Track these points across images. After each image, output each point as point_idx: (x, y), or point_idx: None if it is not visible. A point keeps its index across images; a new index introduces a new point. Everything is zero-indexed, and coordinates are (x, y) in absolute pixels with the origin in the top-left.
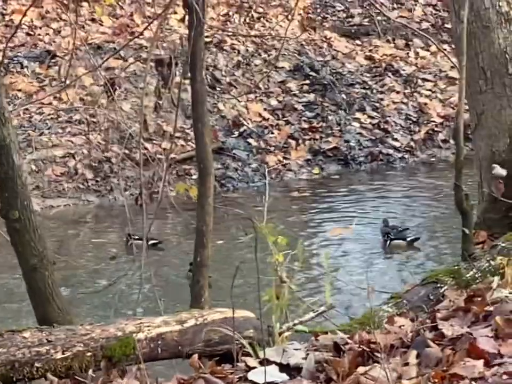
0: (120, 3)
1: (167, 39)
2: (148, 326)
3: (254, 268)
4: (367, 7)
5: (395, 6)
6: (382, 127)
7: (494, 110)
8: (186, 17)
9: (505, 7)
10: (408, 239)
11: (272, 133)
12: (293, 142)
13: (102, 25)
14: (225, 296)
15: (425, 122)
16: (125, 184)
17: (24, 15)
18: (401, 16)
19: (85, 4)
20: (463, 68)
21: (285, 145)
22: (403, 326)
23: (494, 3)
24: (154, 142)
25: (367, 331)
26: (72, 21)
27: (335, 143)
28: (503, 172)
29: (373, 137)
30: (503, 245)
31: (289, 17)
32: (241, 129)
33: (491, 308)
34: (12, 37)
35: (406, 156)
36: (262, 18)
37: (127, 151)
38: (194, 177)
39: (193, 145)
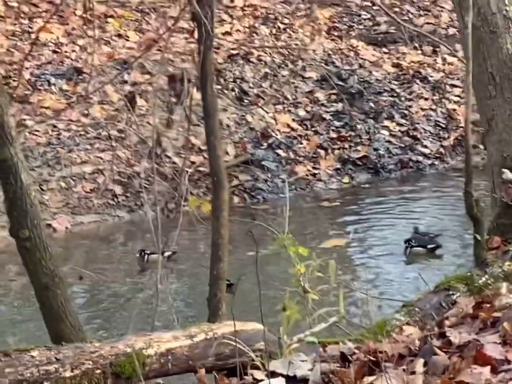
0: (146, 18)
1: (178, 54)
2: (157, 342)
3: (279, 279)
4: (393, 15)
5: (421, 12)
6: (411, 134)
7: (504, 115)
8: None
9: None
10: (429, 246)
11: (301, 143)
12: (322, 152)
13: (128, 40)
14: (248, 307)
15: (454, 128)
16: (154, 199)
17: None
18: (428, 23)
19: (110, 19)
20: (469, 73)
21: (314, 155)
22: (411, 334)
23: (501, 8)
24: (181, 155)
25: (374, 340)
26: (96, 36)
27: (364, 151)
28: None
29: (402, 145)
30: None
31: (315, 27)
32: (270, 141)
33: (499, 314)
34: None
35: (436, 163)
36: (288, 29)
37: (156, 166)
38: None
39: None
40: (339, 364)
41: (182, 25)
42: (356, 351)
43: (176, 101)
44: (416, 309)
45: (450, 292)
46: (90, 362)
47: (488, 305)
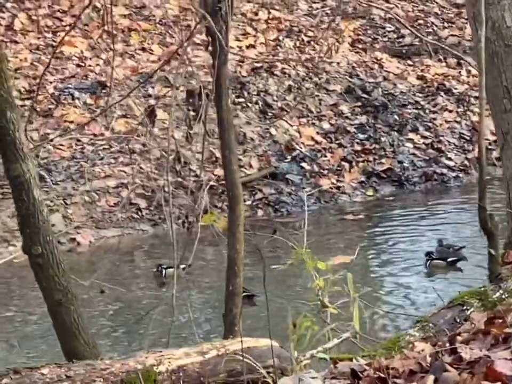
0: (169, 31)
1: (199, 68)
2: (169, 358)
3: (300, 292)
4: (418, 27)
5: (446, 25)
6: (435, 146)
7: None
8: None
9: None
10: (449, 259)
11: (325, 156)
12: (346, 165)
13: (152, 53)
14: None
15: None
16: (178, 212)
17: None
18: (453, 35)
19: (134, 33)
20: (483, 87)
21: (338, 168)
22: (423, 350)
23: None
24: (207, 169)
25: (386, 357)
26: (120, 50)
27: (389, 164)
28: None
29: (427, 157)
30: None
31: (339, 39)
32: (294, 154)
33: (511, 330)
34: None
35: (461, 175)
36: (312, 42)
37: (179, 179)
38: (247, 203)
39: (246, 171)
40: (349, 381)
41: (204, 38)
42: (367, 367)
43: (195, 116)
44: (430, 325)
45: (465, 307)
46: (101, 380)
47: (500, 321)
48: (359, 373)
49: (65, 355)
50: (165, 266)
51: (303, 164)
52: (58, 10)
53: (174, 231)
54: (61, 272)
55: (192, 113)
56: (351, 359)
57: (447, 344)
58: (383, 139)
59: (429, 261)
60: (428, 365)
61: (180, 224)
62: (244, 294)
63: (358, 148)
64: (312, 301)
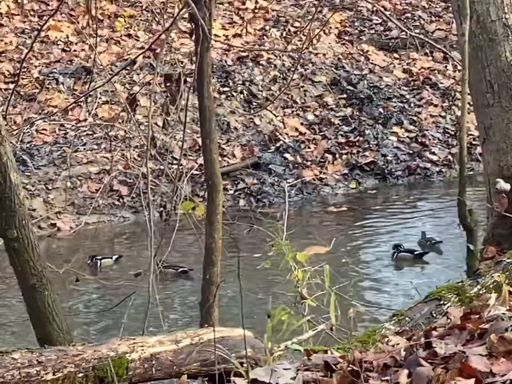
0: (156, 18)
1: (175, 55)
2: (142, 346)
3: (279, 284)
4: (405, 20)
5: (433, 18)
6: (419, 140)
7: (502, 124)
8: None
9: (511, 19)
10: (416, 253)
11: (309, 148)
12: (330, 157)
13: (138, 40)
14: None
15: None
16: (160, 200)
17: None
18: (439, 29)
19: (120, 19)
20: (465, 81)
21: (322, 160)
22: (397, 344)
23: (501, 15)
24: (190, 157)
25: (359, 350)
26: (105, 36)
27: (372, 157)
28: (507, 187)
29: (411, 151)
30: (508, 260)
31: (326, 31)
32: (278, 144)
33: (487, 326)
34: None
35: (444, 170)
36: (298, 32)
37: (161, 167)
38: (229, 192)
39: (229, 161)
40: (323, 373)
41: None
42: (340, 360)
43: (172, 102)
44: (407, 318)
45: (441, 302)
46: (73, 366)
47: (477, 317)
48: (333, 366)
49: (39, 340)
50: (99, 257)
51: (287, 155)
52: None
53: (152, 218)
54: (36, 256)
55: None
56: (325, 351)
57: (422, 339)
58: (367, 132)
59: (396, 254)
60: (402, 359)
61: (161, 212)
62: (178, 269)
63: (342, 140)
64: (290, 293)
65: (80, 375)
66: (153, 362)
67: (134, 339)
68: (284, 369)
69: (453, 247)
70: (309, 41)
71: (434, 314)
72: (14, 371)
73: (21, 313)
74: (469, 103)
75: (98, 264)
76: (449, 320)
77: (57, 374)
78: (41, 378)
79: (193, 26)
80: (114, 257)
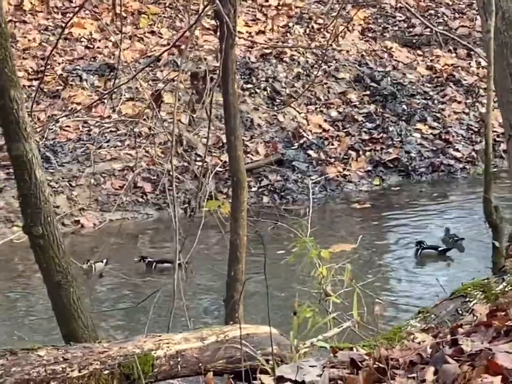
0: (179, 15)
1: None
2: (167, 343)
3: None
4: (428, 17)
5: (456, 15)
6: (443, 137)
7: None
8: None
9: None
10: (440, 249)
11: (332, 144)
12: (353, 153)
13: (161, 37)
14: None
15: None
16: (184, 197)
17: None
18: (463, 26)
19: (144, 16)
20: (490, 78)
21: (345, 157)
22: (423, 341)
23: None
24: (213, 154)
25: (385, 347)
26: (129, 33)
27: (396, 154)
28: None
29: (434, 148)
30: None
31: (350, 28)
32: (301, 141)
33: None
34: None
35: (468, 167)
36: (322, 29)
37: (186, 164)
38: (253, 189)
39: (252, 158)
40: (349, 370)
41: (214, 23)
42: (366, 357)
43: (198, 99)
44: (432, 316)
45: (467, 299)
46: (98, 363)
47: (503, 314)
48: (359, 363)
49: (64, 337)
50: (93, 262)
51: (310, 152)
52: None
53: (177, 215)
54: (61, 253)
55: (196, 96)
56: (351, 349)
57: (448, 336)
58: (390, 128)
59: (420, 251)
60: (429, 356)
61: (186, 208)
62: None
63: (366, 136)
64: (315, 289)
65: (106, 372)
66: (179, 359)
67: (159, 336)
68: (310, 366)
69: (478, 244)
70: (334, 38)
71: (460, 312)
72: (40, 368)
73: (46, 310)
74: (493, 100)
75: (93, 267)
76: (475, 317)
77: (83, 371)
78: (67, 375)
79: (218, 23)
80: (104, 261)
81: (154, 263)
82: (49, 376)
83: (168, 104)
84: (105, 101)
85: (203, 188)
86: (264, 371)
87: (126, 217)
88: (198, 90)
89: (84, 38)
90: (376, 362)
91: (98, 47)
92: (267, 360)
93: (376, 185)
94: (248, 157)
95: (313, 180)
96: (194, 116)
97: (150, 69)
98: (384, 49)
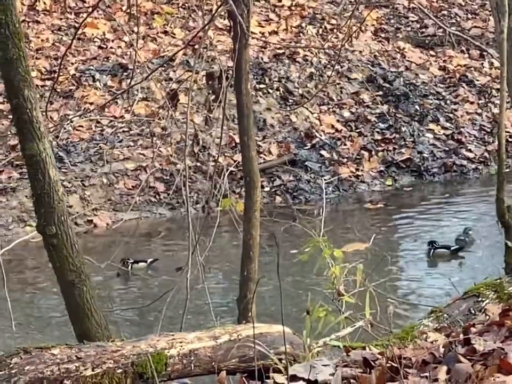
0: (192, 15)
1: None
2: (181, 342)
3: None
4: (441, 18)
5: (469, 16)
6: (455, 138)
7: None
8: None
9: None
10: (452, 248)
11: (345, 145)
12: (366, 154)
13: (174, 37)
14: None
15: None
16: (196, 197)
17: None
18: (476, 27)
19: (160, 15)
20: (504, 79)
21: (358, 157)
22: (436, 340)
23: None
24: (226, 154)
25: (398, 346)
26: (142, 33)
27: (408, 154)
28: None
29: (447, 148)
30: None
31: (362, 28)
32: (314, 141)
33: None
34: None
35: (480, 167)
36: (334, 30)
37: (198, 164)
38: (265, 189)
39: (265, 158)
40: (362, 370)
41: (227, 23)
42: (379, 356)
43: (214, 99)
44: (445, 315)
45: (480, 299)
46: (112, 362)
47: None
48: (372, 362)
49: (77, 336)
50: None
51: (323, 152)
52: None
53: (191, 215)
54: (75, 253)
55: (212, 96)
56: (364, 348)
57: (461, 335)
58: (403, 129)
59: (432, 250)
60: (441, 355)
61: (198, 208)
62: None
63: (378, 137)
64: (328, 289)
65: (119, 371)
66: (192, 358)
67: (172, 335)
68: (323, 365)
69: (491, 244)
70: (348, 38)
71: (473, 311)
72: (53, 366)
73: (60, 309)
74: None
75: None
76: (487, 317)
77: (96, 370)
78: (81, 374)
79: (231, 23)
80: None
81: (130, 264)
82: (63, 375)
83: (181, 104)
84: (119, 101)
85: (218, 187)
86: (277, 370)
87: (139, 217)
88: (214, 90)
89: (97, 38)
90: (389, 362)
91: (111, 47)
92: (280, 359)
93: (389, 185)
94: (261, 157)
95: (326, 180)
96: (210, 115)
97: (163, 69)
98: (397, 50)
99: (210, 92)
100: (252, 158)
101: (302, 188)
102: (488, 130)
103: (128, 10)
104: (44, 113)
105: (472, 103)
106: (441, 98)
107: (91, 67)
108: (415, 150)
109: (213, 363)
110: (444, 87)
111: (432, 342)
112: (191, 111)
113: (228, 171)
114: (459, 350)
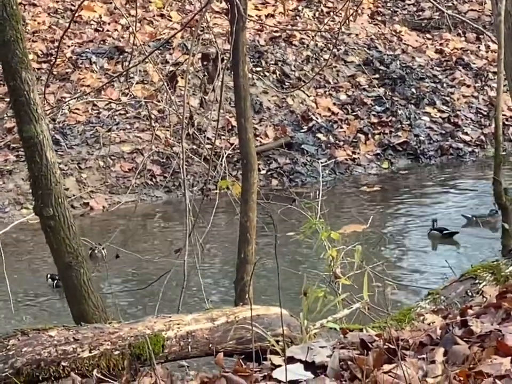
0: None
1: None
2: (178, 324)
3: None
4: (438, 1)
5: None
6: (452, 121)
7: None
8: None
9: None
10: (444, 232)
11: (341, 128)
12: (362, 137)
13: (170, 20)
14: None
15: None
16: (193, 180)
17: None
18: (472, 10)
19: None
20: (501, 61)
21: (354, 140)
22: (433, 322)
23: None
24: (223, 137)
25: (395, 328)
26: (138, 16)
27: (405, 137)
28: None
29: (443, 131)
30: None
31: (359, 11)
32: (310, 124)
33: None
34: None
35: (476, 150)
36: (331, 13)
37: (195, 147)
38: (262, 172)
39: (261, 141)
40: (359, 351)
41: (224, 6)
42: (376, 338)
43: (210, 81)
44: (442, 297)
45: (477, 281)
46: (109, 343)
47: None
48: (369, 344)
49: (74, 318)
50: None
51: (319, 135)
52: None
53: (188, 197)
54: (72, 234)
55: (207, 77)
56: (361, 330)
57: (458, 317)
58: (399, 112)
59: (429, 231)
60: (438, 337)
61: (195, 191)
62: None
63: (375, 120)
64: (325, 272)
65: (117, 352)
66: (189, 340)
67: (170, 317)
68: (320, 347)
69: (488, 227)
70: (344, 21)
71: (470, 293)
72: (51, 348)
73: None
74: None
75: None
76: (484, 299)
77: (94, 352)
78: (78, 355)
79: (229, 6)
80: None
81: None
82: (60, 357)
83: (178, 87)
84: (115, 83)
85: (216, 169)
86: (274, 352)
87: (136, 199)
88: (209, 71)
89: (94, 21)
90: (386, 343)
91: (107, 30)
92: (277, 341)
93: (385, 168)
94: (257, 140)
95: (322, 163)
96: (206, 97)
97: (159, 51)
98: (394, 33)
99: (206, 73)
100: (249, 140)
101: (298, 170)
102: (485, 113)
103: None
104: (42, 96)
105: (468, 86)
106: (437, 81)
107: (87, 50)
108: (411, 133)
109: (210, 345)
110: (440, 70)
111: (429, 324)
112: (188, 94)
113: (226, 154)
114: (456, 332)
